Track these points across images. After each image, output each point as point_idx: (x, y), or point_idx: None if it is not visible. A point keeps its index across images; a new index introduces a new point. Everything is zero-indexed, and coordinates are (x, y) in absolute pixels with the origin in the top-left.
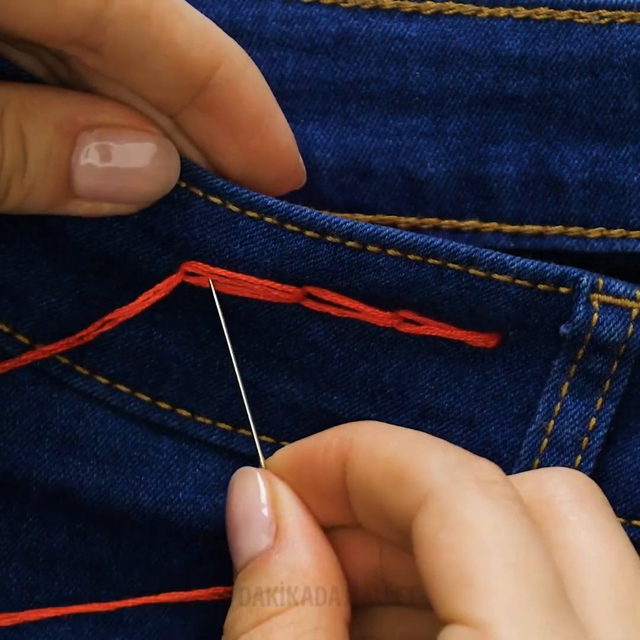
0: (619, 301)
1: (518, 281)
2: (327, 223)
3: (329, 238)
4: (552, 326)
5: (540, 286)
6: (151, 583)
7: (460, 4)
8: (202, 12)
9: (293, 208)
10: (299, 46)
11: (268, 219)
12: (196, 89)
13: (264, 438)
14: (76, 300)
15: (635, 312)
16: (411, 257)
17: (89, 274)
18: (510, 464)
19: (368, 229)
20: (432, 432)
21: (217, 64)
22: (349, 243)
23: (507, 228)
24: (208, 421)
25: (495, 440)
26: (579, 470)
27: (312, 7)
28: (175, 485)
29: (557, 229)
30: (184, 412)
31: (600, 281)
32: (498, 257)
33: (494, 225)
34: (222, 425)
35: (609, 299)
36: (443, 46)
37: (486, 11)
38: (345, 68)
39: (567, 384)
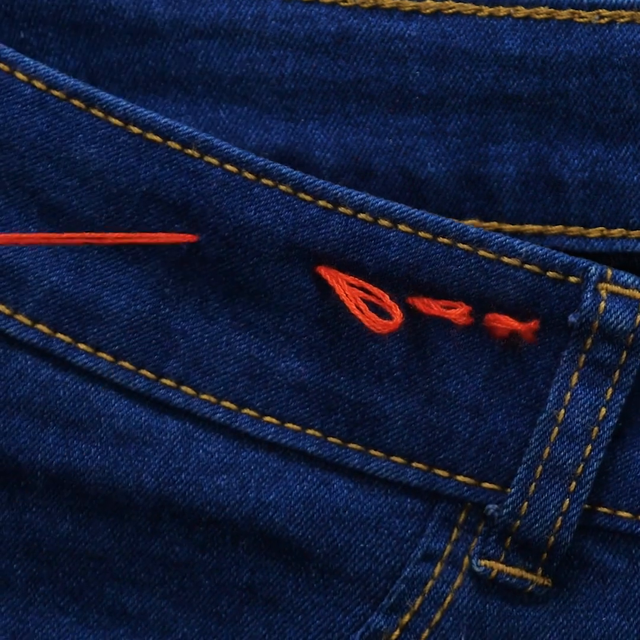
0: (627, 291)
1: (527, 266)
2: (339, 193)
3: (341, 209)
4: (561, 317)
5: (550, 274)
6: (154, 573)
7: (459, 3)
8: (200, 11)
9: (307, 177)
10: (298, 45)
11: (282, 187)
12: None
13: (267, 419)
14: (78, 278)
15: None
16: (422, 234)
17: (93, 251)
18: (517, 453)
19: (379, 203)
20: (438, 418)
21: None
22: (361, 215)
23: (507, 227)
24: (213, 399)
25: (502, 429)
26: (589, 460)
27: (311, 6)
28: (179, 466)
29: (557, 228)
30: (189, 390)
31: (609, 271)
32: (507, 241)
33: (494, 224)
34: (227, 404)
35: (617, 288)
36: (443, 45)
37: (486, 10)
38: (345, 67)
39: (576, 373)
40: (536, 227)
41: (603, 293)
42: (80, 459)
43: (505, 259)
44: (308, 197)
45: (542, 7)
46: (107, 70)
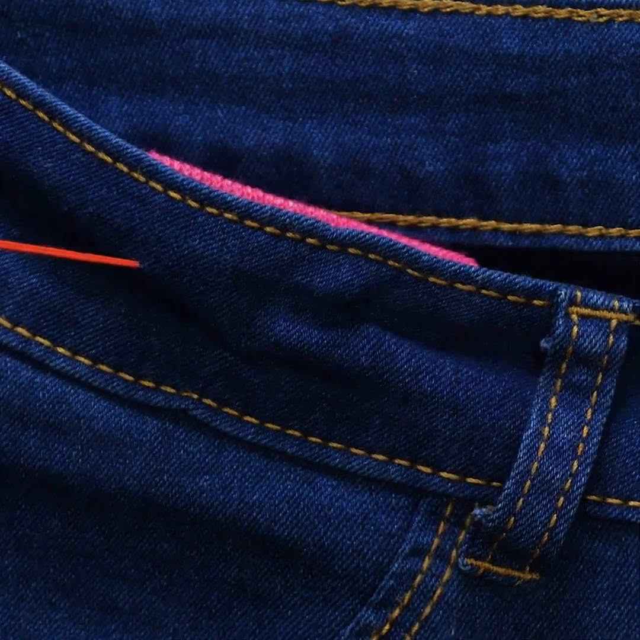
0: (597, 313)
1: (484, 291)
2: (287, 219)
3: (289, 234)
4: (523, 334)
5: (510, 298)
6: (143, 569)
7: (457, 2)
8: (198, 10)
9: (253, 204)
10: (296, 44)
11: (228, 215)
12: None
13: (247, 419)
14: (57, 281)
15: (614, 322)
16: (372, 256)
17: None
18: (500, 447)
19: (329, 229)
20: (417, 417)
21: None
22: (309, 240)
23: (506, 226)
24: (195, 396)
25: (484, 423)
26: (577, 475)
27: (309, 5)
28: (160, 468)
29: (556, 227)
30: (169, 389)
31: (578, 294)
32: (462, 268)
33: (492, 223)
34: (207, 402)
35: (587, 311)
36: (441, 44)
37: (484, 9)
38: (343, 66)
39: (554, 397)
40: (534, 226)
41: (574, 317)
42: (61, 462)
43: (459, 285)
44: (255, 224)
45: (540, 6)
46: (105, 70)
